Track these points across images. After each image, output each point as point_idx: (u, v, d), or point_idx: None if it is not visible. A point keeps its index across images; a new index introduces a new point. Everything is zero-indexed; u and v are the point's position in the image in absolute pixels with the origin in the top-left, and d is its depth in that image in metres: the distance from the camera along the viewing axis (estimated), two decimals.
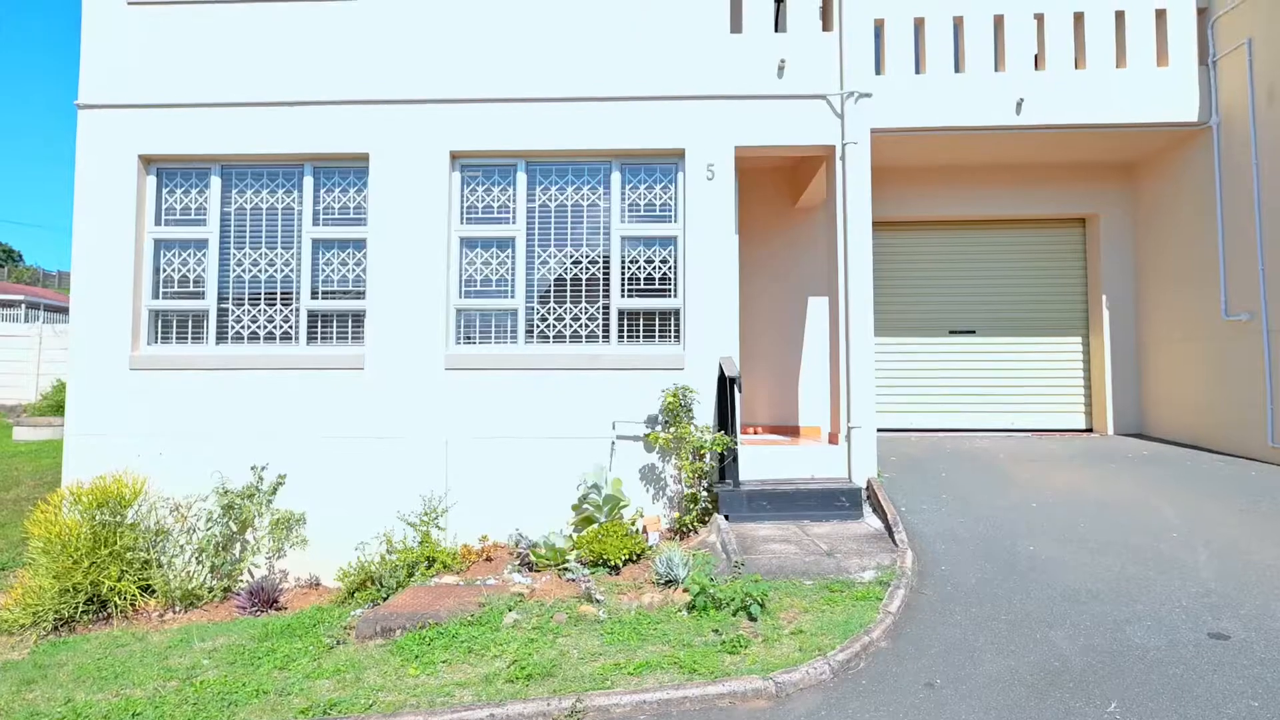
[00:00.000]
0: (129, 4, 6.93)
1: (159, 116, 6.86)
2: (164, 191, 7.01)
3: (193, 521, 6.40)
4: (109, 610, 5.79)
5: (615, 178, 6.88)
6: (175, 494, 6.45)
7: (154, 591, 5.95)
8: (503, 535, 6.27)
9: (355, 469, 6.59)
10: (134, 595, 5.82)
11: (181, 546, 6.34)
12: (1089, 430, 8.95)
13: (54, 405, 13.76)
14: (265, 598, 5.89)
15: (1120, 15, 7.53)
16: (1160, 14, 7.52)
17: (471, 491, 6.54)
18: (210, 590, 6.09)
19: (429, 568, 5.71)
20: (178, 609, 5.90)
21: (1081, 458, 7.37)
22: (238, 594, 6.01)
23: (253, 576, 6.38)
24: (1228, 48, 7.26)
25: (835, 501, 6.09)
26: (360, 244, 6.89)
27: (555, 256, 6.90)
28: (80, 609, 5.65)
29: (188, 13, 6.95)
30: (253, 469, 6.52)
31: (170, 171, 7.02)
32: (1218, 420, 7.47)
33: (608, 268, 6.84)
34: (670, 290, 6.81)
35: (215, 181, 6.96)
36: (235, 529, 6.40)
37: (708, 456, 6.27)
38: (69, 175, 7.83)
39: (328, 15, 6.92)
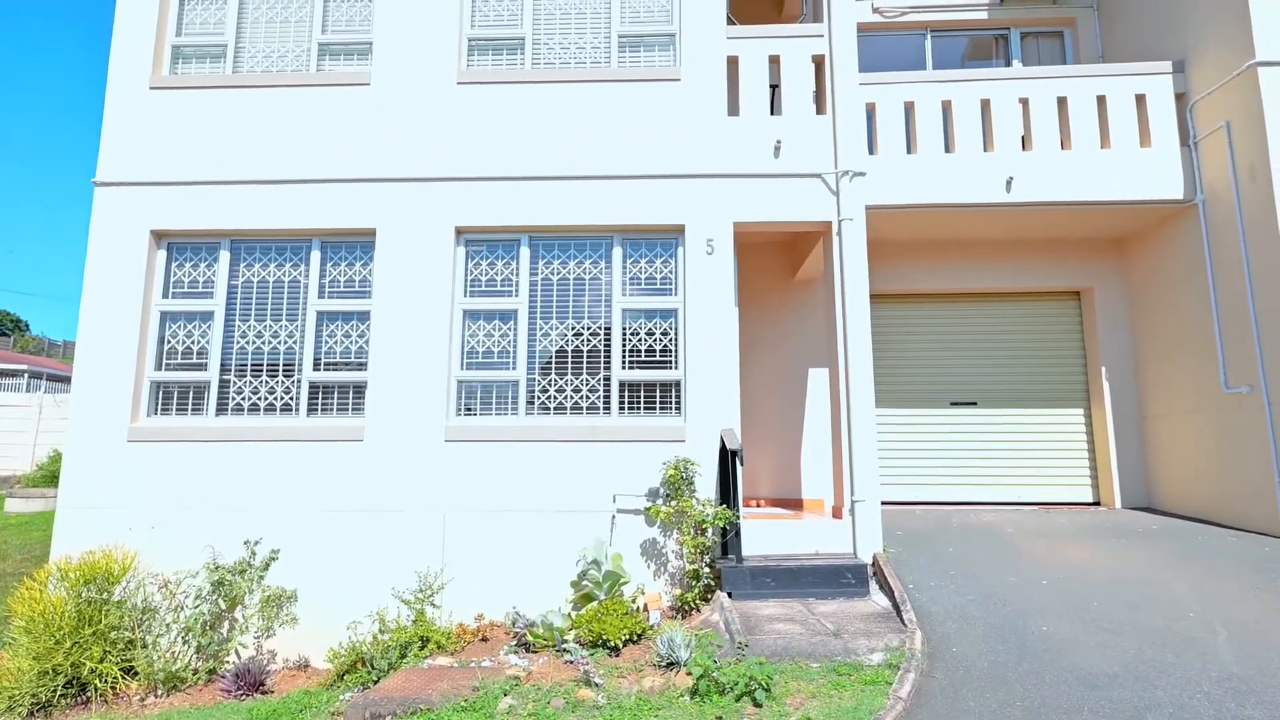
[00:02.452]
0: (151, 88, 7.24)
1: (173, 194, 7.07)
2: (173, 265, 7.14)
3: (181, 599, 6.24)
4: (88, 694, 5.57)
5: (617, 252, 7.02)
6: (165, 569, 6.31)
7: (136, 673, 5.74)
8: (499, 613, 6.10)
9: (350, 544, 6.47)
10: (115, 678, 5.61)
11: (168, 625, 6.15)
12: (1096, 503, 8.81)
13: (49, 476, 13.62)
14: (251, 680, 5.68)
15: (1102, 100, 7.83)
16: (1140, 99, 7.83)
17: (468, 567, 6.40)
18: (195, 672, 5.88)
19: (422, 648, 5.52)
20: (160, 692, 5.68)
21: (1090, 532, 7.22)
22: (223, 676, 5.80)
23: (239, 657, 6.17)
24: (1207, 130, 7.52)
25: (841, 578, 5.94)
26: (364, 316, 6.97)
27: (557, 328, 6.97)
28: (59, 692, 5.44)
29: (206, 95, 7.26)
30: (246, 543, 6.40)
31: (180, 246, 7.17)
32: (1225, 493, 7.36)
33: (609, 340, 6.90)
34: (671, 362, 6.85)
35: (224, 255, 7.11)
36: (224, 606, 6.23)
37: (710, 531, 6.16)
38: (76, 246, 7.96)
39: (340, 98, 7.22)
